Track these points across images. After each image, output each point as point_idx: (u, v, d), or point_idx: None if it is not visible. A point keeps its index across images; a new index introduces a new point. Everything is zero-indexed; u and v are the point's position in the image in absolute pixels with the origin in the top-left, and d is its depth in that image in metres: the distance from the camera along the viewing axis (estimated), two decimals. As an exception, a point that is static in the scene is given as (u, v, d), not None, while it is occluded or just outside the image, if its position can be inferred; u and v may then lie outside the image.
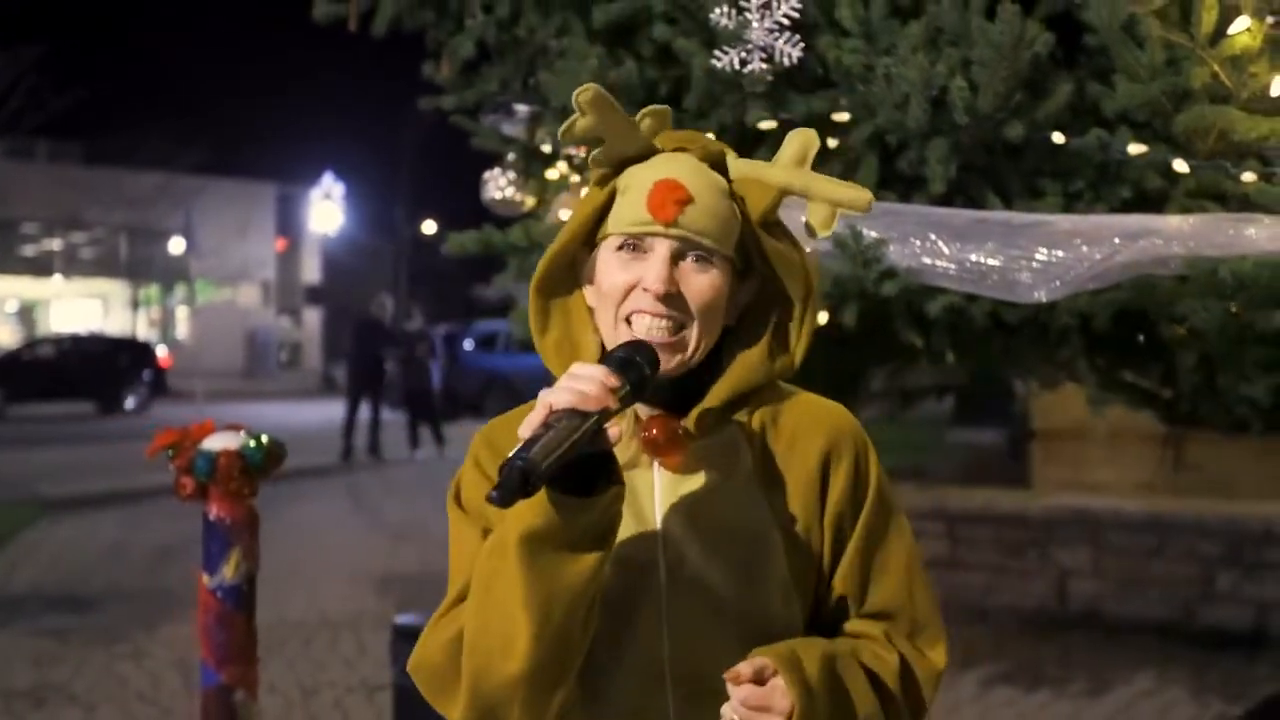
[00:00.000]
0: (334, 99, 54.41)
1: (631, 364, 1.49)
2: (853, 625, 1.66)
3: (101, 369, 25.67)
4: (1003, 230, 2.43)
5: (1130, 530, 7.03)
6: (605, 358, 1.52)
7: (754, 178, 1.61)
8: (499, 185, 3.85)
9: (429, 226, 46.21)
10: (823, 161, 2.65)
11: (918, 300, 2.55)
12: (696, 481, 1.60)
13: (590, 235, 1.63)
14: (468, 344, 23.26)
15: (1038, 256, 2.36)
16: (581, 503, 1.42)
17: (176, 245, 39.67)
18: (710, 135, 1.77)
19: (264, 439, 2.61)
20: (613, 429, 1.41)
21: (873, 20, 2.51)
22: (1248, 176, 2.38)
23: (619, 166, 1.60)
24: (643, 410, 1.61)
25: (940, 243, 2.42)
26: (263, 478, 2.62)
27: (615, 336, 1.58)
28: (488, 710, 1.54)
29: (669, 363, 1.57)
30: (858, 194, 1.61)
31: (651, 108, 1.59)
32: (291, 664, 6.74)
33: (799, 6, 2.44)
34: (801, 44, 2.47)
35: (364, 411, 16.15)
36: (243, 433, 2.61)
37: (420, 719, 4.53)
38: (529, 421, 1.39)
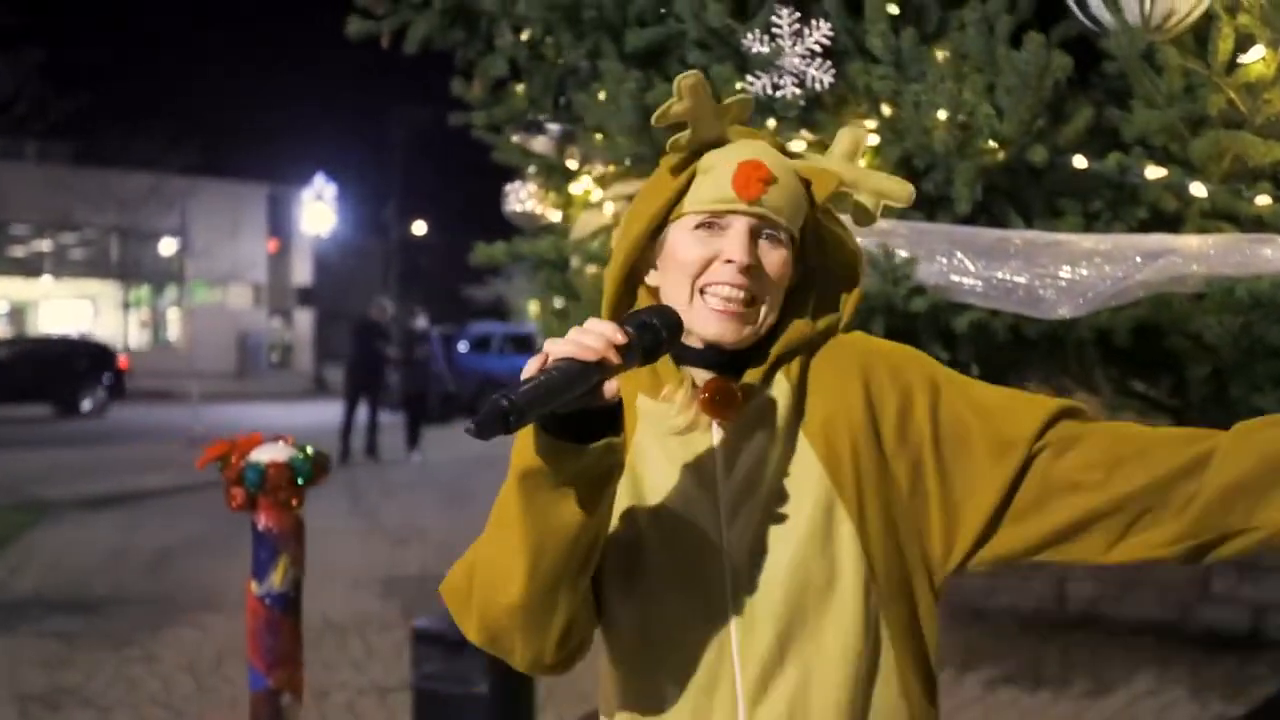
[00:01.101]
0: (325, 100, 54.45)
1: (648, 326, 1.52)
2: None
3: (59, 371, 25.05)
4: (1026, 249, 2.52)
5: (1128, 532, 7.12)
6: (626, 317, 1.55)
7: (818, 168, 1.70)
8: (520, 198, 3.94)
9: (419, 227, 46.22)
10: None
11: (944, 315, 2.64)
12: (752, 441, 1.65)
13: (659, 225, 1.69)
14: (462, 346, 23.30)
15: (1062, 274, 2.45)
16: (572, 448, 1.46)
17: (167, 246, 39.62)
18: None
19: (310, 450, 2.69)
20: (610, 384, 1.44)
21: (903, 49, 2.60)
22: (1262, 199, 2.48)
23: (701, 150, 1.68)
24: (700, 375, 1.68)
25: (966, 260, 2.52)
26: (310, 487, 2.70)
27: (689, 310, 1.64)
28: (493, 634, 1.64)
29: (740, 333, 1.64)
30: (901, 186, 1.71)
31: (738, 97, 1.68)
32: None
33: (831, 34, 2.53)
34: (833, 70, 2.57)
35: (361, 413, 16.17)
36: (289, 444, 2.69)
37: (433, 718, 4.64)
38: (529, 365, 1.44)
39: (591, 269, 3.41)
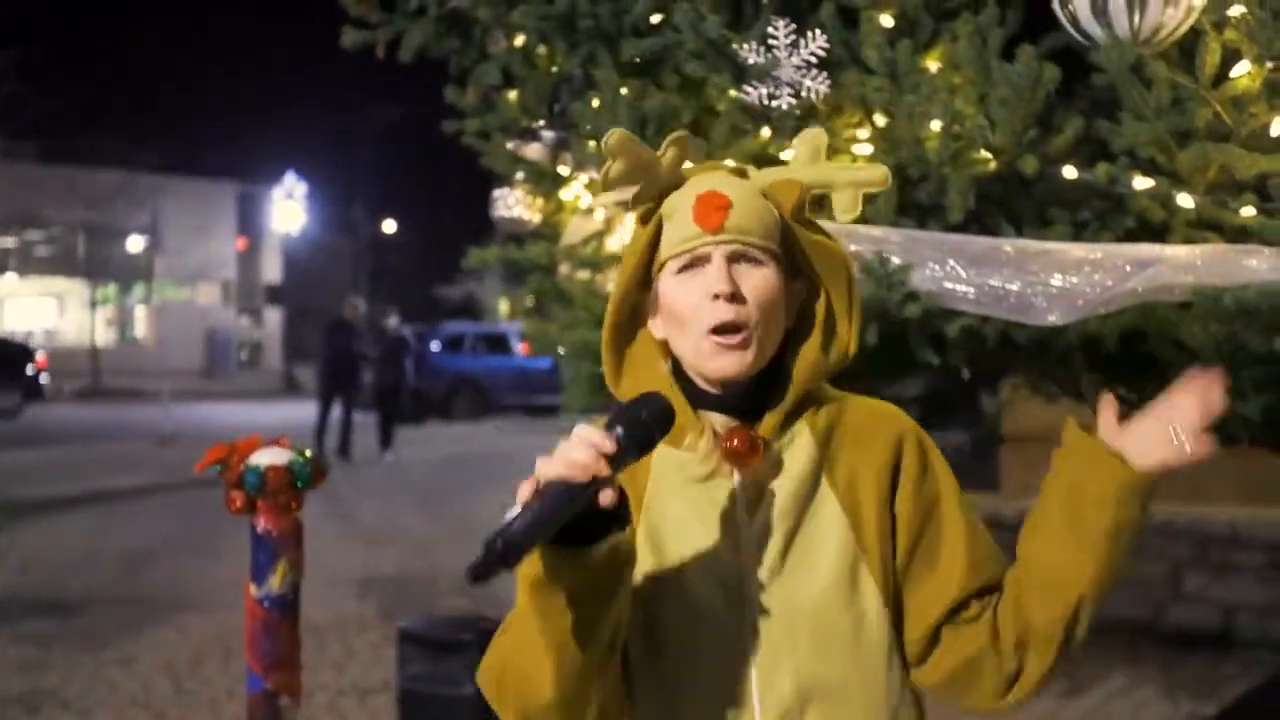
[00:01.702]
0: (295, 99, 54.05)
1: (638, 424, 1.50)
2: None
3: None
4: (1017, 257, 2.57)
5: (1101, 533, 7.21)
6: (613, 416, 1.52)
7: (779, 180, 1.71)
8: (508, 204, 3.96)
9: (389, 226, 46.06)
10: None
11: (936, 321, 2.69)
12: (775, 488, 1.66)
13: (645, 274, 1.72)
14: (435, 345, 23.24)
15: (1053, 282, 2.50)
16: (576, 558, 1.46)
17: (135, 244, 39.31)
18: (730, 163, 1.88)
19: (308, 453, 2.71)
20: (606, 494, 1.43)
21: (898, 60, 2.64)
22: (1247, 210, 2.54)
23: (658, 200, 1.70)
24: (719, 421, 1.68)
25: (958, 268, 2.56)
26: (308, 490, 2.72)
27: (698, 355, 1.65)
28: None
29: (744, 363, 1.64)
30: (873, 171, 1.73)
31: (672, 136, 1.68)
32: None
33: (826, 46, 2.56)
34: (828, 81, 2.60)
35: (335, 413, 16.13)
36: (286, 447, 2.70)
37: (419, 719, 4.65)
38: (520, 493, 1.42)
39: (583, 274, 3.44)
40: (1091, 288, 2.46)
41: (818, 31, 2.53)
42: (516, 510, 1.39)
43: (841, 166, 1.75)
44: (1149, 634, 6.96)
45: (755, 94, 2.65)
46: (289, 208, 37.57)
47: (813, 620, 1.64)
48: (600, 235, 3.39)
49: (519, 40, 3.46)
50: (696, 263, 1.66)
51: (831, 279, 1.72)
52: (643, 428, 1.50)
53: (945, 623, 1.69)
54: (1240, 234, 2.58)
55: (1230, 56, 2.48)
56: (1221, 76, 2.50)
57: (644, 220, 1.72)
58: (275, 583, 2.70)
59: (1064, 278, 2.49)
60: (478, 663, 4.69)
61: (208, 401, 27.93)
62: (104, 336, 39.64)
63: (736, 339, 1.63)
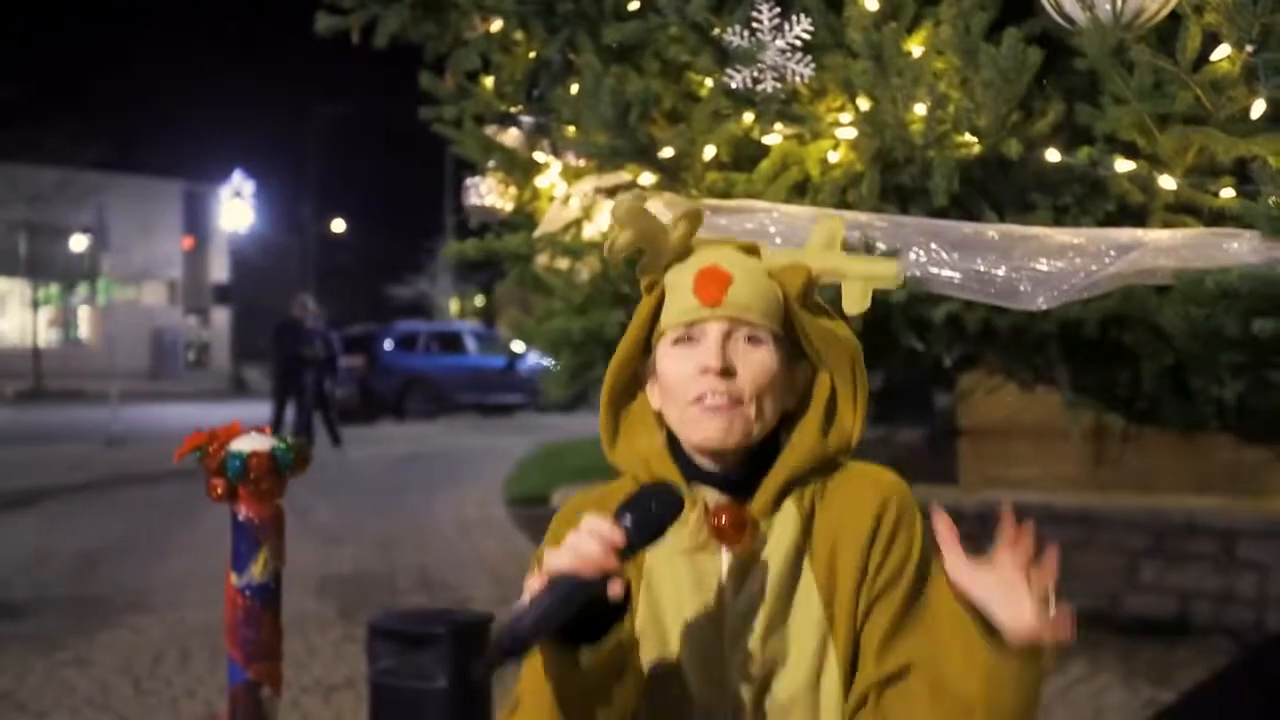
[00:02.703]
0: (242, 96, 53.48)
1: (647, 514, 1.53)
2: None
3: None
4: (1001, 242, 2.59)
5: (1060, 524, 7.31)
6: (623, 505, 1.55)
7: (787, 263, 1.72)
8: (480, 193, 3.94)
9: (338, 225, 45.72)
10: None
11: (920, 307, 2.70)
12: (758, 567, 1.68)
13: (646, 340, 1.74)
14: (387, 344, 23.10)
15: (1038, 267, 2.53)
16: (584, 654, 1.53)
17: (78, 243, 38.70)
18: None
19: (289, 440, 2.67)
20: (614, 586, 1.48)
21: (884, 44, 2.66)
22: (1226, 193, 2.58)
23: (665, 268, 1.72)
24: (710, 496, 1.70)
25: (942, 252, 2.58)
26: (291, 477, 2.68)
27: (683, 424, 1.67)
28: None
29: (731, 433, 1.65)
30: (887, 267, 1.75)
31: (684, 211, 1.69)
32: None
33: (811, 29, 2.57)
34: (813, 64, 2.61)
35: (290, 413, 15.98)
36: (268, 435, 2.66)
37: (392, 716, 4.62)
38: (528, 586, 1.51)
39: (562, 262, 3.43)
40: (1076, 272, 2.49)
41: (802, 15, 2.54)
42: (526, 601, 1.48)
43: (855, 258, 1.75)
44: (1106, 622, 7.05)
45: (739, 78, 2.66)
46: (237, 206, 37.15)
47: (782, 706, 1.66)
48: (578, 223, 3.38)
49: (496, 25, 3.45)
50: (693, 337, 1.67)
51: (837, 365, 1.73)
52: (653, 519, 1.53)
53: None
54: (1218, 217, 2.62)
55: (1209, 40, 2.52)
56: (1201, 60, 2.54)
57: (649, 289, 1.74)
58: (257, 571, 2.64)
59: (1049, 262, 2.52)
60: (450, 656, 4.68)
61: (154, 403, 27.56)
62: (47, 337, 39.00)
63: (723, 406, 1.64)
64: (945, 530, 1.52)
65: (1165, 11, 2.51)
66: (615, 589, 1.48)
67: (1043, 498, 7.54)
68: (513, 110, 3.56)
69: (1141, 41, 2.51)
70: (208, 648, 7.07)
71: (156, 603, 8.25)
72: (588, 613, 1.49)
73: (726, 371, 1.64)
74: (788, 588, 1.67)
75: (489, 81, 3.66)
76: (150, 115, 47.06)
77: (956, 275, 2.56)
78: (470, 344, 24.02)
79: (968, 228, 2.65)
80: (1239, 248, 2.45)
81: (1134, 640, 6.84)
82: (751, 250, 1.73)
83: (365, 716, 5.07)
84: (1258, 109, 2.49)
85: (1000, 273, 2.53)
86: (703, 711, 1.67)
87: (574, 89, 3.12)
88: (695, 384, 1.65)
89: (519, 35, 3.40)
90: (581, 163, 3.41)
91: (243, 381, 34.06)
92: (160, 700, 6.17)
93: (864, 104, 2.74)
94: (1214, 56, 2.53)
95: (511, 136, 3.70)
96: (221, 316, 43.46)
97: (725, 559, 1.69)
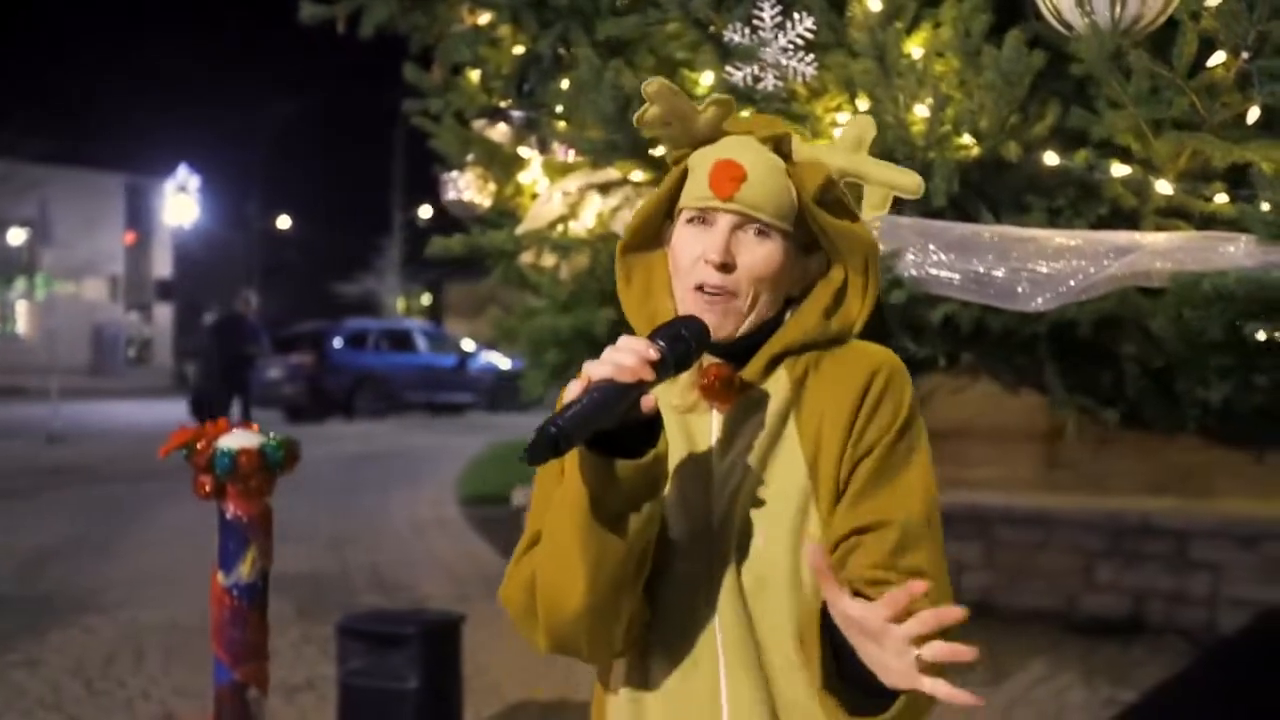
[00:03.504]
0: (187, 90, 52.60)
1: (678, 338, 1.60)
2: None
3: None
4: (997, 243, 2.60)
5: (1018, 525, 7.39)
6: (656, 329, 1.63)
7: (812, 159, 1.73)
8: (458, 187, 3.89)
9: (284, 221, 45.20)
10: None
11: (918, 308, 2.71)
12: (748, 430, 1.71)
13: (670, 207, 1.77)
14: (337, 342, 22.85)
15: (1038, 268, 2.54)
16: (618, 465, 1.54)
17: (16, 236, 37.95)
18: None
19: (277, 438, 2.62)
20: (647, 399, 1.53)
21: (887, 45, 2.66)
22: (1220, 198, 2.61)
23: (693, 147, 1.73)
24: (707, 359, 1.72)
25: (939, 253, 2.58)
26: (281, 474, 2.64)
27: (682, 304, 1.72)
28: (560, 641, 1.71)
29: (725, 327, 1.69)
30: (909, 178, 1.75)
31: (715, 96, 1.72)
32: (197, 667, 6.58)
33: (814, 28, 2.57)
34: (815, 63, 2.60)
35: (235, 410, 15.76)
36: (256, 431, 2.62)
37: (362, 717, 4.57)
38: (569, 389, 1.53)
39: (549, 259, 3.39)
40: (1074, 274, 2.51)
41: (804, 14, 2.53)
42: (568, 402, 1.49)
43: (880, 163, 1.76)
44: (1063, 622, 7.13)
45: (739, 75, 2.64)
46: (182, 201, 36.63)
47: (760, 560, 1.68)
48: (564, 219, 3.35)
49: (484, 18, 3.41)
50: (706, 220, 1.71)
51: (851, 259, 1.75)
52: (683, 342, 1.60)
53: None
54: (1208, 221, 2.65)
55: (1205, 46, 2.55)
56: (1197, 66, 2.56)
57: (675, 163, 1.76)
58: (245, 570, 2.61)
59: (1047, 264, 2.53)
60: (421, 656, 4.66)
61: (96, 400, 27.08)
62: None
63: (718, 299, 1.68)
64: (821, 564, 1.49)
65: (1163, 18, 2.53)
66: (648, 402, 1.53)
67: (1001, 499, 7.61)
68: (502, 105, 3.52)
69: (1139, 47, 2.53)
70: (161, 648, 6.94)
71: (107, 602, 8.09)
72: (624, 432, 1.53)
73: (725, 266, 1.68)
74: (771, 448, 1.70)
75: (475, 75, 3.62)
76: (94, 108, 46.13)
77: (956, 276, 2.57)
78: (420, 342, 23.83)
79: (962, 229, 2.65)
80: (1235, 251, 2.47)
81: (1092, 640, 6.91)
82: (780, 141, 1.75)
83: (330, 717, 4.99)
84: (1253, 115, 2.52)
85: (999, 274, 2.54)
86: (686, 567, 1.70)
87: (566, 83, 3.09)
88: (696, 269, 1.70)
89: (506, 29, 3.36)
90: (571, 157, 3.38)
91: (186, 379, 33.54)
92: (114, 701, 6.05)
93: (863, 104, 2.74)
94: (1210, 63, 2.55)
95: (500, 132, 3.66)
96: (164, 313, 42.78)
97: (716, 420, 1.72)
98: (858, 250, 1.75)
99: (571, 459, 1.57)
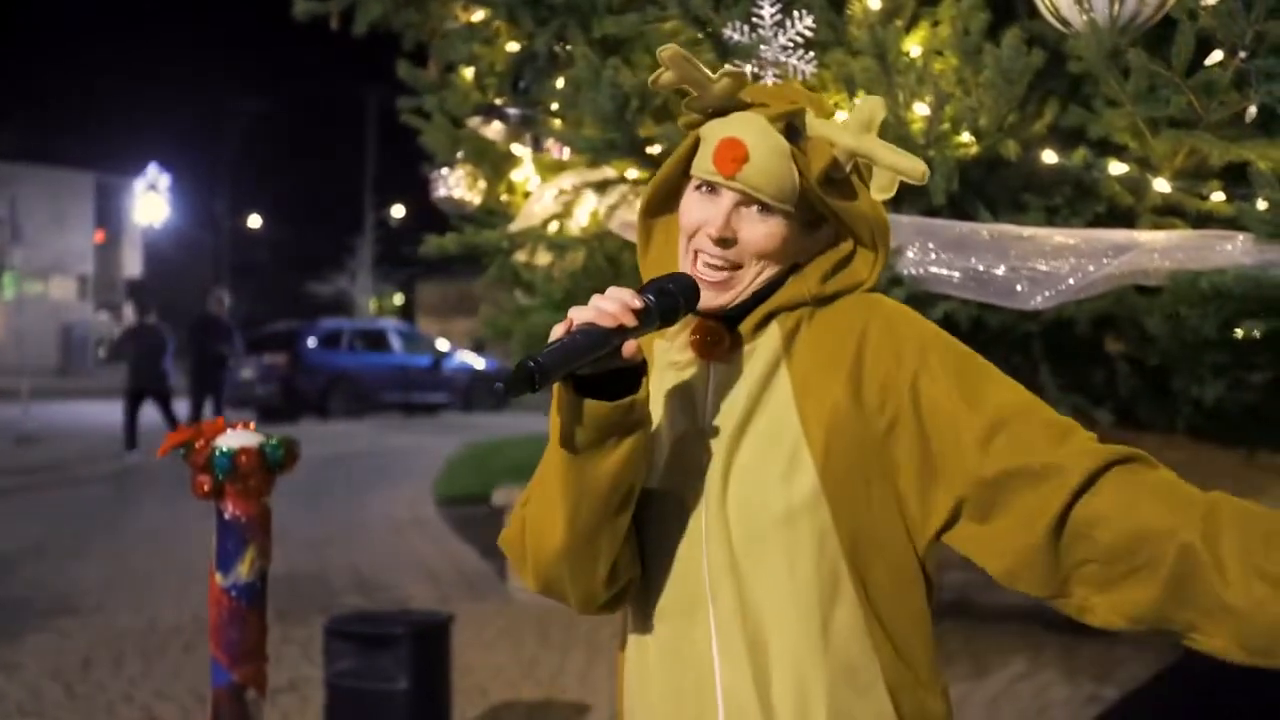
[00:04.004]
0: (159, 88, 52.15)
1: (664, 292, 1.64)
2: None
3: None
4: (995, 242, 2.61)
5: (998, 523, 7.40)
6: (644, 286, 1.66)
7: (823, 137, 1.73)
8: (448, 185, 3.88)
9: (254, 221, 44.93)
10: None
11: (914, 306, 2.69)
12: (740, 381, 1.74)
13: (685, 169, 1.79)
14: (311, 341, 22.70)
15: (1039, 267, 2.55)
16: (595, 405, 1.57)
17: (-18, 235, 37.54)
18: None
19: (275, 437, 2.60)
20: (629, 345, 1.56)
21: (887, 43, 2.66)
22: (1217, 196, 2.63)
23: (706, 116, 1.75)
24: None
25: (938, 252, 2.59)
26: (281, 474, 2.61)
27: (684, 266, 1.75)
28: (546, 581, 1.77)
29: (720, 299, 1.72)
30: (914, 164, 1.74)
31: (728, 69, 1.74)
32: (178, 670, 6.55)
33: (813, 26, 2.56)
34: (814, 61, 2.60)
35: (207, 410, 15.61)
36: (254, 430, 2.60)
37: (349, 715, 4.54)
38: (555, 330, 1.56)
39: (544, 257, 3.38)
40: (1073, 272, 2.52)
41: (804, 12, 2.53)
42: (551, 340, 1.53)
43: (887, 146, 1.74)
44: (1042, 619, 7.16)
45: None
46: (152, 200, 36.35)
47: (745, 506, 1.70)
48: (559, 218, 3.34)
49: (478, 15, 3.39)
50: (713, 190, 1.73)
51: (859, 233, 1.78)
52: (670, 296, 1.64)
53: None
54: (1204, 220, 2.67)
55: (1202, 45, 2.56)
56: (1195, 65, 2.58)
57: (688, 128, 1.79)
58: (244, 570, 2.59)
59: (1046, 262, 2.54)
60: (409, 657, 4.67)
61: (65, 400, 26.83)
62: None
63: (718, 276, 1.71)
64: None
65: (1160, 14, 2.55)
66: (629, 348, 1.57)
67: (982, 498, 7.61)
68: (498, 102, 3.50)
69: (1136, 45, 2.54)
70: (140, 651, 6.89)
71: (81, 606, 8.02)
72: (607, 379, 1.58)
73: (724, 241, 1.71)
74: (761, 396, 1.73)
75: (468, 73, 3.60)
76: (64, 105, 45.66)
77: (956, 275, 2.57)
78: (395, 342, 23.72)
79: (964, 227, 2.66)
80: (1233, 250, 2.49)
81: (1073, 637, 6.95)
82: (795, 117, 1.75)
83: (314, 719, 4.95)
84: (1250, 114, 2.54)
85: (999, 272, 2.55)
86: (678, 519, 1.73)
87: (562, 81, 3.08)
88: (698, 237, 1.73)
89: (500, 26, 3.34)
90: (566, 155, 3.37)
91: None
92: (95, 706, 6.00)
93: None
94: (1207, 62, 2.57)
95: (495, 130, 3.64)
96: (134, 313, 42.37)
97: (712, 375, 1.75)
98: (864, 227, 1.77)
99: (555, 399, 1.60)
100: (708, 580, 1.70)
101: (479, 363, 24.00)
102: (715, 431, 1.73)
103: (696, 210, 1.74)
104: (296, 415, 20.56)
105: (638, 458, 1.65)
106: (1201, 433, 3.33)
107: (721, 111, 1.74)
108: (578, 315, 1.57)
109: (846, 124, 1.76)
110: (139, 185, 37.20)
